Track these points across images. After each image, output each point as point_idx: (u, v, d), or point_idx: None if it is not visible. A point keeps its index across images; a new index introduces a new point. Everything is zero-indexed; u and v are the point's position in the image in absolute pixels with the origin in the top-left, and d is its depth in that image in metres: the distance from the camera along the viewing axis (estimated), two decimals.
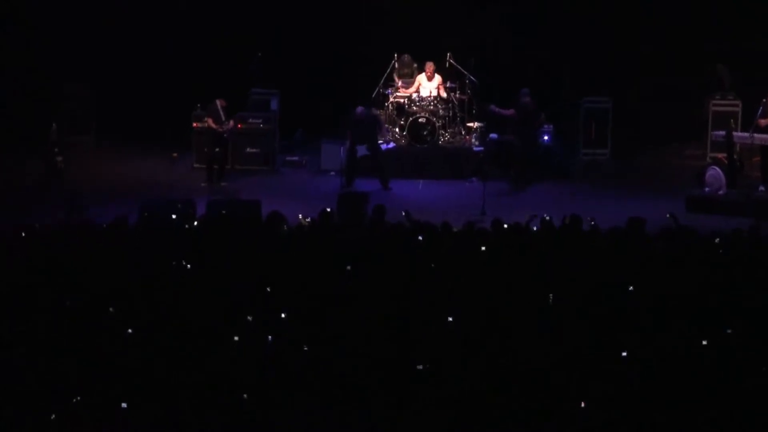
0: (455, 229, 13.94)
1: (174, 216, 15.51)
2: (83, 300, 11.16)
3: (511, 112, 22.12)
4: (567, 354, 9.87)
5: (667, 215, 14.85)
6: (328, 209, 15.20)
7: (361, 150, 21.74)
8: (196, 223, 14.93)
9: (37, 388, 9.13)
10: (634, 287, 11.66)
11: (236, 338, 10.28)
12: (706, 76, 24.20)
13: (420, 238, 13.42)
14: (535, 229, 14.50)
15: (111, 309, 10.94)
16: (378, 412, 8.98)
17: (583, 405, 9.06)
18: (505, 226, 14.26)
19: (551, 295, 11.38)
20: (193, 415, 8.84)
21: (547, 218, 14.90)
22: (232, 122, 21.97)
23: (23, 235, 13.76)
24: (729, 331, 10.54)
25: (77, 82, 24.61)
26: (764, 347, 10.17)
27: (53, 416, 8.78)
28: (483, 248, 13.09)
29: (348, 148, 21.65)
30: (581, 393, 9.18)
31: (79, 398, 9.04)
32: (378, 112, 23.08)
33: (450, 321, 10.74)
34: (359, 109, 21.77)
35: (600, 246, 13.38)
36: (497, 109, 22.23)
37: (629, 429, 8.81)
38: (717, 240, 13.58)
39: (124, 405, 8.99)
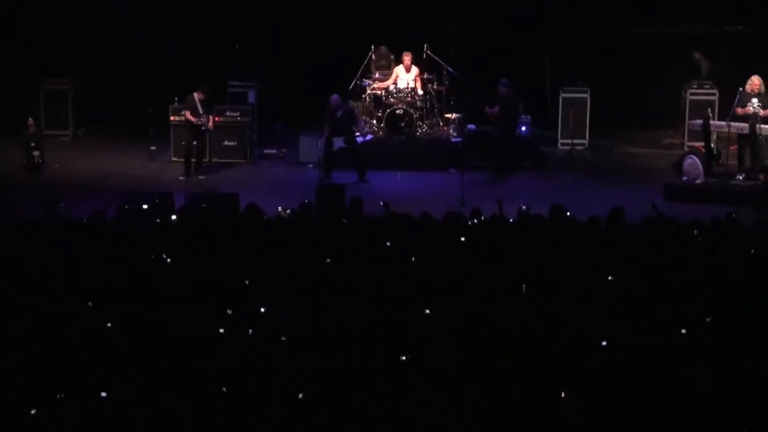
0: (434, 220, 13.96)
1: (145, 206, 15.45)
2: (62, 295, 11.13)
3: (496, 109, 22.14)
4: (547, 344, 9.88)
5: (649, 205, 14.89)
6: (307, 201, 15.20)
7: (338, 142, 21.73)
8: (174, 216, 14.88)
9: (15, 385, 9.09)
10: (613, 277, 11.69)
11: (221, 330, 10.26)
12: (684, 63, 24.29)
13: (400, 229, 13.43)
14: (508, 215, 14.55)
15: (90, 303, 10.91)
16: (362, 406, 8.96)
17: (563, 395, 9.06)
18: (472, 218, 14.31)
19: (524, 285, 11.40)
20: (174, 409, 8.81)
21: (524, 208, 14.93)
22: (211, 118, 21.89)
23: None
24: (708, 319, 10.57)
25: (55, 77, 24.53)
26: (743, 335, 10.20)
27: (33, 411, 8.74)
28: (462, 239, 13.11)
29: (325, 141, 21.64)
30: (562, 383, 9.18)
31: (59, 394, 9.00)
32: (355, 104, 23.07)
33: (429, 312, 10.74)
34: (334, 97, 21.79)
35: (578, 236, 13.40)
36: (489, 110, 22.24)
37: (609, 420, 8.81)
38: (696, 231, 13.63)
39: (103, 394, 8.95)
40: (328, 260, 12.29)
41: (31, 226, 14.05)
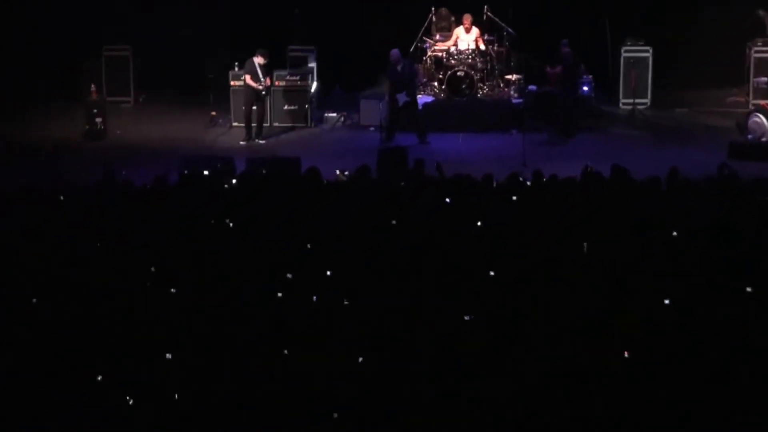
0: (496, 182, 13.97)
1: (206, 172, 15.52)
2: (126, 259, 11.22)
3: (558, 69, 22.05)
4: (608, 303, 9.82)
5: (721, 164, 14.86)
6: (366, 164, 15.21)
7: (401, 98, 21.61)
8: (235, 180, 14.95)
9: (80, 348, 9.17)
10: (678, 233, 11.60)
11: (279, 295, 10.30)
12: (747, 21, 23.94)
13: (462, 191, 13.43)
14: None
15: (153, 269, 10.99)
16: (422, 365, 8.96)
17: (626, 355, 9.01)
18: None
19: (585, 244, 11.36)
20: (236, 371, 8.86)
21: (590, 169, 14.90)
22: (268, 79, 21.93)
23: (62, 197, 13.84)
24: None
25: (116, 44, 24.63)
26: None
27: (99, 377, 8.83)
28: (514, 198, 13.12)
29: (388, 101, 21.60)
30: (623, 344, 9.12)
31: (124, 358, 9.07)
32: (417, 66, 23.02)
33: (493, 275, 10.72)
34: (394, 51, 21.72)
35: (639, 196, 13.32)
36: (551, 70, 22.18)
37: (671, 380, 8.74)
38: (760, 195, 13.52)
39: (168, 356, 9.03)
40: (394, 222, 12.29)
41: (94, 193, 14.17)
